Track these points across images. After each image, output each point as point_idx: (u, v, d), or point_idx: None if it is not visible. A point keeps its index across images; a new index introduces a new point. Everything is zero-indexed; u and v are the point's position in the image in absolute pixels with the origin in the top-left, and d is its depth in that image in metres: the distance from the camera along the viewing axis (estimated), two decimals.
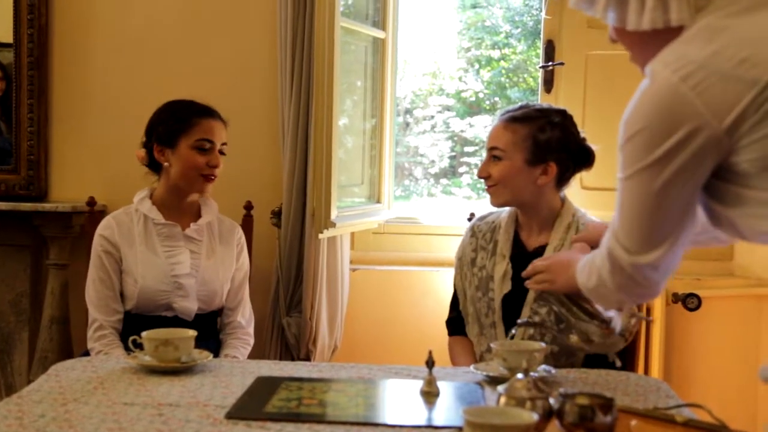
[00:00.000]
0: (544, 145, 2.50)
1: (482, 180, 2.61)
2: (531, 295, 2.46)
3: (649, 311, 3.24)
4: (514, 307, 2.48)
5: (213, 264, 2.77)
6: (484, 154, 2.63)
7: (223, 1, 3.56)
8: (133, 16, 3.60)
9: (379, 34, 3.60)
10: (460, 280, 2.67)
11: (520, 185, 2.52)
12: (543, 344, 2.10)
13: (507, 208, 2.65)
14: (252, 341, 2.87)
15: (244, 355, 2.80)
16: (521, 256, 2.53)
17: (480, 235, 2.65)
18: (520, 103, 2.60)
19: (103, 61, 3.62)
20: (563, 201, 2.58)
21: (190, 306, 2.71)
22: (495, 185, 2.54)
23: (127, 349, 2.22)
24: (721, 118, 1.45)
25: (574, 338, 2.04)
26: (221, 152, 2.77)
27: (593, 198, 3.46)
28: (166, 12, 3.59)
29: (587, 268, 1.80)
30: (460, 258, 2.68)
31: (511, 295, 2.50)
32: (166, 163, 2.75)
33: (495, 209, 2.72)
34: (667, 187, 1.52)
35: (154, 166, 2.80)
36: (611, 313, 2.00)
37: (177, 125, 2.73)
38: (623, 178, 1.58)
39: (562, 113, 2.57)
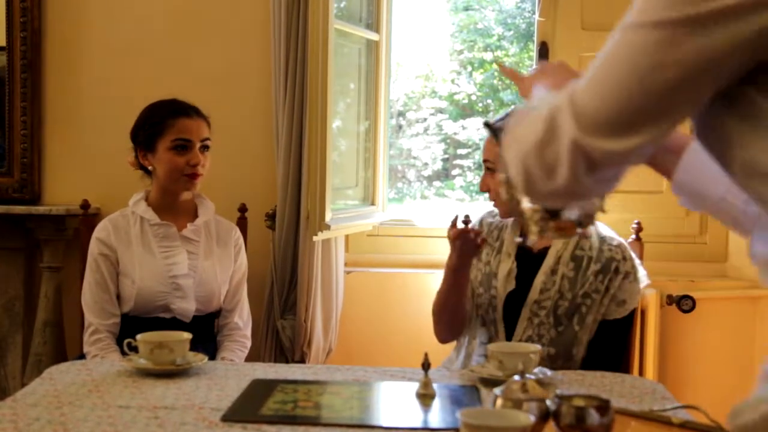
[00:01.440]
0: None
1: (472, 184, 2.61)
2: (532, 296, 2.47)
3: (644, 312, 3.25)
4: (515, 307, 2.49)
5: (211, 265, 2.77)
6: (477, 157, 2.64)
7: (217, 3, 3.56)
8: (127, 19, 3.59)
9: (372, 36, 3.60)
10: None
11: None
12: (539, 346, 2.11)
13: None
14: (249, 343, 2.86)
15: (241, 358, 2.80)
16: (526, 256, 2.55)
17: (489, 231, 2.65)
18: (504, 112, 2.53)
19: (97, 64, 3.61)
20: None
21: (188, 307, 2.70)
22: (495, 198, 2.56)
23: (123, 352, 2.21)
24: None
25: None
26: (205, 147, 2.77)
27: None
28: (160, 15, 3.58)
29: (524, 112, 1.29)
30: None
31: (514, 295, 2.50)
32: (150, 167, 2.77)
33: None
34: (694, 59, 1.07)
35: (146, 169, 2.81)
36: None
37: (152, 129, 2.75)
38: (638, 23, 1.11)
39: None
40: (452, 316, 2.60)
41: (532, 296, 2.47)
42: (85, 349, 2.67)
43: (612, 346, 2.48)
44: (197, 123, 2.77)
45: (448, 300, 2.58)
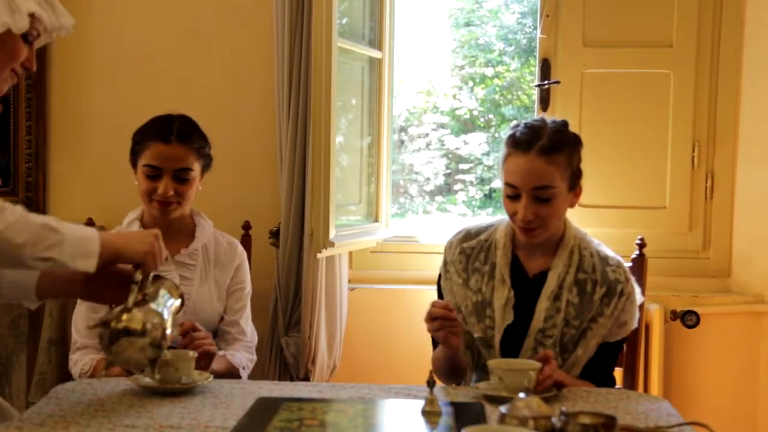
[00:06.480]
0: (576, 168, 2.34)
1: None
2: (536, 325, 2.31)
3: (648, 328, 3.25)
4: (514, 338, 2.33)
5: (207, 290, 2.70)
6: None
7: (220, 21, 3.57)
8: (130, 37, 3.61)
9: (375, 54, 3.61)
10: (453, 298, 2.42)
11: (562, 215, 2.35)
12: (539, 363, 2.08)
13: (499, 224, 2.45)
14: (255, 358, 2.78)
15: (241, 360, 2.67)
16: (522, 281, 2.37)
17: (473, 255, 2.42)
18: (527, 125, 2.35)
19: (101, 83, 3.62)
20: (565, 222, 2.40)
21: (178, 336, 2.53)
22: (543, 225, 2.30)
23: (128, 372, 2.18)
24: None
25: None
26: (182, 178, 2.62)
27: (587, 214, 3.46)
28: (163, 33, 3.60)
29: None
30: (452, 272, 2.44)
31: (512, 326, 2.33)
32: (136, 183, 2.69)
33: (479, 224, 2.52)
34: None
35: None
36: None
37: (136, 146, 2.68)
38: None
39: (567, 124, 2.40)
40: (453, 372, 2.42)
41: (536, 325, 2.31)
42: (71, 368, 2.64)
43: (606, 366, 2.38)
44: (175, 150, 2.62)
45: (445, 365, 2.39)
